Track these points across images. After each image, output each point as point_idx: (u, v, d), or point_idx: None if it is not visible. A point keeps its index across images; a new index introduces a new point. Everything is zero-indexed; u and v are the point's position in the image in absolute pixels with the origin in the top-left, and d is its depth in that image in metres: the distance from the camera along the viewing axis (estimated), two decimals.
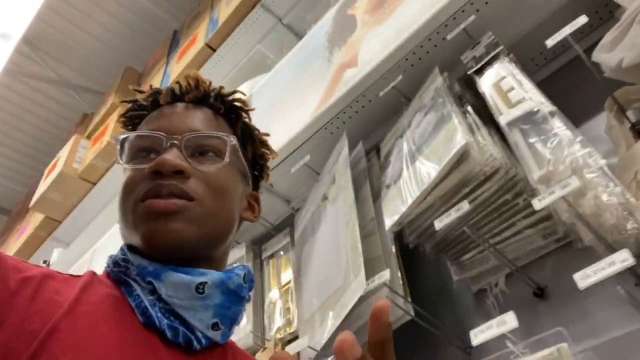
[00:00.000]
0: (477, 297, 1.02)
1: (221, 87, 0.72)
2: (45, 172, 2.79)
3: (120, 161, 0.64)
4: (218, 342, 0.58)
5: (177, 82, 0.71)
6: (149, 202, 0.57)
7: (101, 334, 0.49)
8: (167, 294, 0.55)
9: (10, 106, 3.26)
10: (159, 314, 0.54)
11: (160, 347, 0.53)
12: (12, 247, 2.99)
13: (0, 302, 0.46)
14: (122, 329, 0.51)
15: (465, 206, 0.84)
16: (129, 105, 0.72)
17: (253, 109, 0.75)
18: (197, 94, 0.69)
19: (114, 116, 2.59)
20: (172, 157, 0.59)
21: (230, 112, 0.71)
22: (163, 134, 0.62)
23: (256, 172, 0.76)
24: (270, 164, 1.38)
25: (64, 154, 2.68)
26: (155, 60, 2.75)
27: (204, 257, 0.61)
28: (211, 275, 0.58)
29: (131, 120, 0.72)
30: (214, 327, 0.57)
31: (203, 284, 0.56)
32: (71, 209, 2.66)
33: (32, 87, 3.22)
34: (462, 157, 0.87)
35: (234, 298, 0.60)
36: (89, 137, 2.76)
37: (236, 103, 0.72)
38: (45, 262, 2.64)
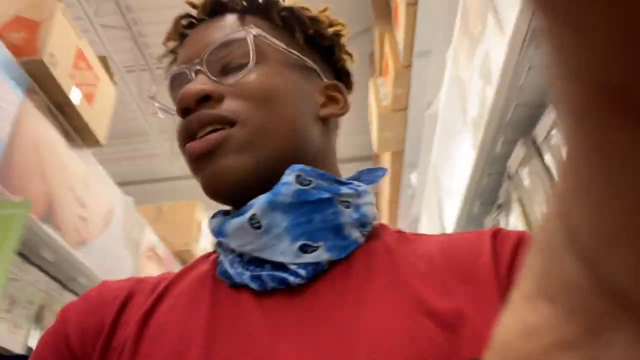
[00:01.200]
0: None
1: None
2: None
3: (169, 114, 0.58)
4: (332, 259, 0.46)
5: (189, 2, 0.59)
6: (186, 149, 0.50)
7: (179, 328, 0.45)
8: (237, 245, 0.47)
9: None
10: (239, 270, 0.47)
11: (252, 302, 0.45)
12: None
13: (92, 339, 0.46)
14: (203, 306, 0.46)
15: None
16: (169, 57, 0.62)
17: None
18: (207, 3, 0.56)
19: (386, 47, 2.68)
20: (193, 84, 0.49)
21: (257, 5, 0.56)
22: (184, 65, 0.53)
23: (330, 58, 0.59)
24: None
25: (371, 98, 2.97)
26: None
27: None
28: (256, 203, 0.46)
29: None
30: (304, 249, 0.46)
31: (253, 216, 0.46)
32: (403, 138, 2.93)
33: None
34: None
35: (310, 207, 0.47)
36: (380, 74, 2.96)
37: None
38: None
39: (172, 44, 0.59)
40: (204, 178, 0.49)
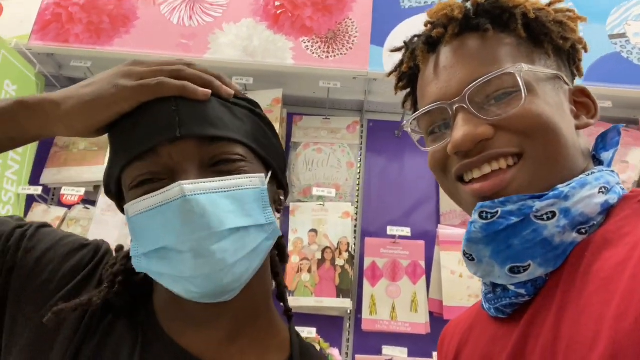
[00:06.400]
0: None
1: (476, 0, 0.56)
2: None
3: (419, 146, 0.60)
4: (547, 272, 0.48)
5: (428, 23, 0.59)
6: (472, 189, 0.51)
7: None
8: (473, 273, 0.54)
9: None
10: (487, 305, 0.54)
11: (501, 327, 0.53)
12: None
13: None
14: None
15: None
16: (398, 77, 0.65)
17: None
18: (454, 27, 0.55)
19: None
20: (464, 130, 0.50)
21: (503, 19, 0.55)
22: (440, 102, 0.53)
23: (569, 55, 0.58)
24: None
25: None
26: None
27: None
28: (463, 241, 0.52)
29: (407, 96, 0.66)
30: (514, 271, 0.49)
31: (464, 252, 0.52)
32: None
33: None
34: None
35: (505, 234, 0.49)
36: None
37: (501, 1, 0.55)
38: None
39: (405, 66, 0.61)
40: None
